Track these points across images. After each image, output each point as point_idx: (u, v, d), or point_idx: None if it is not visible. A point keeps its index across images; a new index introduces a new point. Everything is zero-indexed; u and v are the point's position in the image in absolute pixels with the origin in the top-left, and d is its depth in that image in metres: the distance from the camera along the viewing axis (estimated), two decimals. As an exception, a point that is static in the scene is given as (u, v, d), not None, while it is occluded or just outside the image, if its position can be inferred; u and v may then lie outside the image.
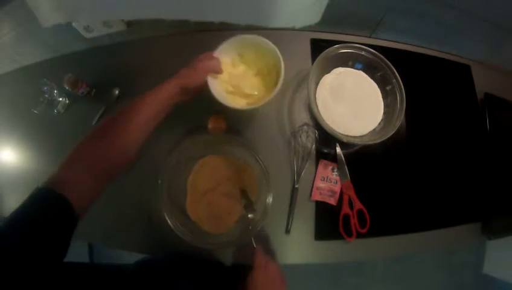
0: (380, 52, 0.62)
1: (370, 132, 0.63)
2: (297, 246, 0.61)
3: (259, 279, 0.48)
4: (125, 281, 0.38)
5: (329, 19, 0.66)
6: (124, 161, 0.44)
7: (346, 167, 0.63)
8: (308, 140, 0.64)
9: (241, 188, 0.60)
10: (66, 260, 0.33)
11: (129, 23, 0.71)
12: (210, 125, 0.62)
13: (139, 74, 0.72)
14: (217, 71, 0.57)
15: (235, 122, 0.66)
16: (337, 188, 0.62)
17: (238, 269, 0.73)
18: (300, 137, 0.64)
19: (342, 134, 0.59)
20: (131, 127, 0.45)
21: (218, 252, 0.60)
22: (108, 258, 1.32)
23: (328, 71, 0.66)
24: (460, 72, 0.75)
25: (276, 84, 0.54)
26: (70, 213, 0.34)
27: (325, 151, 0.65)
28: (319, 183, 0.62)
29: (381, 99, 0.65)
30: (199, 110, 0.62)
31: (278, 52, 0.56)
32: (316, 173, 0.63)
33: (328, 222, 0.61)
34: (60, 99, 0.70)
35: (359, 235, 0.60)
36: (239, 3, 0.60)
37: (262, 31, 0.72)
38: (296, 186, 0.62)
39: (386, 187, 0.65)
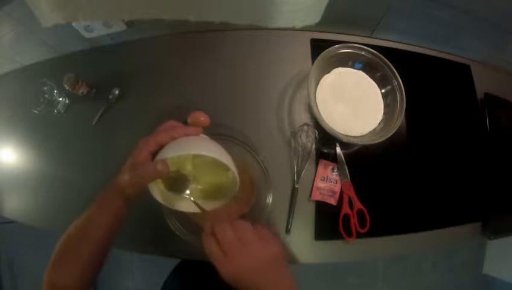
0: (380, 52, 0.62)
1: (370, 132, 0.63)
2: (297, 246, 0.61)
3: (231, 272, 0.34)
4: None
5: (329, 19, 0.66)
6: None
7: (346, 167, 0.63)
8: (308, 140, 0.64)
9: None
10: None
11: (129, 23, 0.71)
12: (189, 120, 0.62)
13: (139, 74, 0.72)
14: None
15: (235, 122, 0.66)
16: (337, 188, 0.62)
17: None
18: (300, 137, 0.64)
19: (342, 134, 0.59)
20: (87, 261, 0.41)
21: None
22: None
23: (328, 71, 0.66)
24: (460, 72, 0.75)
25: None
26: None
27: (325, 151, 0.65)
28: (319, 183, 0.62)
29: (381, 99, 0.65)
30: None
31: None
32: (316, 173, 0.63)
33: (328, 222, 0.61)
34: (60, 99, 0.70)
35: (359, 235, 0.60)
36: (239, 3, 0.60)
37: (263, 31, 0.72)
38: (296, 186, 0.62)
39: (386, 187, 0.65)
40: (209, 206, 0.45)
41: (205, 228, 0.37)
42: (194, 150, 0.39)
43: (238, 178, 0.41)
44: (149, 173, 0.37)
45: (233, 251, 0.35)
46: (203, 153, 0.38)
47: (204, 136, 0.45)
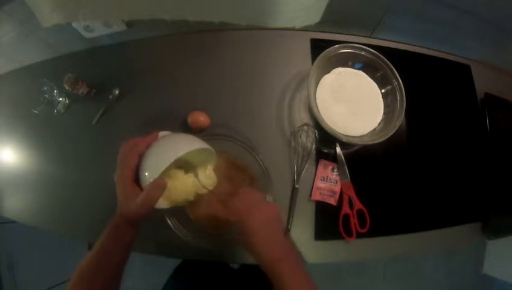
0: (380, 52, 0.62)
1: (370, 132, 0.63)
2: (297, 246, 0.61)
3: (249, 226, 0.40)
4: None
5: (329, 19, 0.66)
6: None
7: (346, 167, 0.63)
8: (308, 140, 0.64)
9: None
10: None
11: (129, 23, 0.71)
12: (189, 120, 0.62)
13: (139, 74, 0.72)
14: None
15: (235, 122, 0.66)
16: (337, 188, 0.62)
17: (244, 269, 0.72)
18: (300, 137, 0.64)
19: (342, 134, 0.59)
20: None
21: (220, 252, 0.60)
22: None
23: (328, 71, 0.66)
24: (460, 72, 0.75)
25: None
26: None
27: (325, 151, 0.65)
28: (319, 183, 0.62)
29: (381, 99, 0.65)
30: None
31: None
32: (316, 173, 0.63)
33: (328, 222, 0.61)
34: (60, 99, 0.70)
35: (359, 235, 0.60)
36: (239, 3, 0.60)
37: (263, 31, 0.72)
38: (296, 186, 0.62)
39: (386, 187, 0.65)
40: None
41: (218, 196, 0.46)
42: (171, 157, 0.40)
43: (210, 147, 0.47)
44: (154, 197, 0.40)
45: (257, 205, 0.42)
46: (179, 155, 0.41)
47: (163, 133, 0.47)
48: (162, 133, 0.46)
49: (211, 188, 0.51)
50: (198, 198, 0.51)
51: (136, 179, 0.42)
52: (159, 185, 0.40)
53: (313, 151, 0.64)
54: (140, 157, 0.42)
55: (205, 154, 0.50)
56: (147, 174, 0.41)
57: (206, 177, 0.51)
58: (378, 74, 0.64)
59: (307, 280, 0.38)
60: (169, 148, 0.43)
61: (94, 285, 0.40)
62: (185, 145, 0.43)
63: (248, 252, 0.41)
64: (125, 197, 0.41)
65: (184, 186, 0.48)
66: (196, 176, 0.50)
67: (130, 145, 0.43)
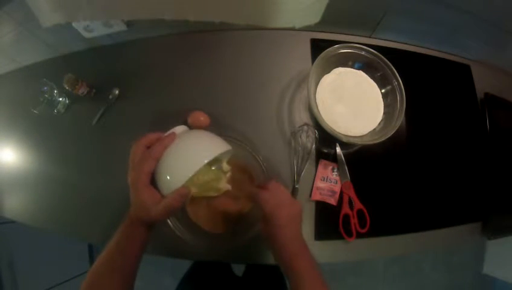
0: (380, 52, 0.62)
1: (370, 132, 0.63)
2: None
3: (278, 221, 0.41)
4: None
5: (329, 19, 0.66)
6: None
7: (346, 167, 0.63)
8: (308, 140, 0.64)
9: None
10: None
11: (129, 23, 0.71)
12: (189, 120, 0.62)
13: (139, 74, 0.72)
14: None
15: (235, 122, 0.66)
16: (337, 188, 0.62)
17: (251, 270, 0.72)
18: (300, 137, 0.64)
19: (342, 134, 0.59)
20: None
21: (219, 252, 0.60)
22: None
23: (328, 71, 0.66)
24: (460, 72, 0.75)
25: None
26: None
27: (325, 151, 0.65)
28: (319, 183, 0.62)
29: (381, 99, 0.65)
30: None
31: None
32: (316, 173, 0.63)
33: (328, 222, 0.61)
34: (60, 99, 0.70)
35: (359, 235, 0.60)
36: (239, 3, 0.60)
37: (263, 31, 0.72)
38: (296, 186, 0.62)
39: (386, 187, 0.65)
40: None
41: (251, 190, 0.46)
42: (195, 166, 0.40)
43: (230, 147, 0.46)
44: (177, 206, 0.40)
45: (287, 201, 0.44)
46: (205, 161, 0.40)
47: (179, 129, 0.45)
48: (178, 129, 0.45)
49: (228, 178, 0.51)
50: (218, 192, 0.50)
51: (152, 180, 0.41)
52: (183, 194, 0.40)
53: (313, 151, 0.64)
54: (158, 160, 0.41)
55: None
56: (170, 180, 0.40)
57: (224, 170, 0.51)
58: (378, 74, 0.64)
59: (320, 275, 0.40)
60: (193, 153, 0.41)
61: (109, 285, 0.40)
62: (209, 149, 0.42)
63: (270, 244, 0.42)
64: (143, 202, 0.40)
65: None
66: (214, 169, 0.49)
67: (145, 145, 0.42)
